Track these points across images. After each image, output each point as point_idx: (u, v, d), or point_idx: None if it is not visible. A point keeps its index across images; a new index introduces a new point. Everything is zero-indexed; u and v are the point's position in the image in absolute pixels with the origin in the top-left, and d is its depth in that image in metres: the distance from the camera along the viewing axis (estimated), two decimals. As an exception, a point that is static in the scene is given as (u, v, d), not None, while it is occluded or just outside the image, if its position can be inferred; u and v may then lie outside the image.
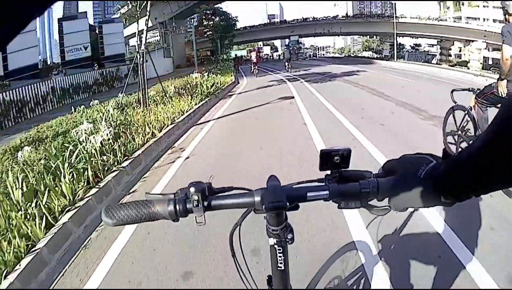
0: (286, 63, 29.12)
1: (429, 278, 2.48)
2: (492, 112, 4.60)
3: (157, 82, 12.71)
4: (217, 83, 15.76)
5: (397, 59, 47.75)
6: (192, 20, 55.76)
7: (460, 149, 3.87)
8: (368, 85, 15.46)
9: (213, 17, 52.48)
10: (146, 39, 10.53)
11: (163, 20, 53.16)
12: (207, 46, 61.32)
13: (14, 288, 2.58)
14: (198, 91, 12.62)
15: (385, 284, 2.45)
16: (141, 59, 10.37)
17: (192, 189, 0.77)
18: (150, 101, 10.62)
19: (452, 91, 5.11)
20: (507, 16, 4.32)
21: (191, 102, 10.57)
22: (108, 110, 8.82)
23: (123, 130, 6.70)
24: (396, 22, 53.36)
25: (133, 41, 71.28)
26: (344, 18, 64.31)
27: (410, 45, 72.41)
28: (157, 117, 8.21)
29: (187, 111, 9.55)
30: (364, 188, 0.75)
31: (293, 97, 12.45)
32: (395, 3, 61.48)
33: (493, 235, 3.03)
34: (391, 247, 2.92)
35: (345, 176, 0.80)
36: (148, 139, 6.61)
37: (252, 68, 26.85)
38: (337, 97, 11.97)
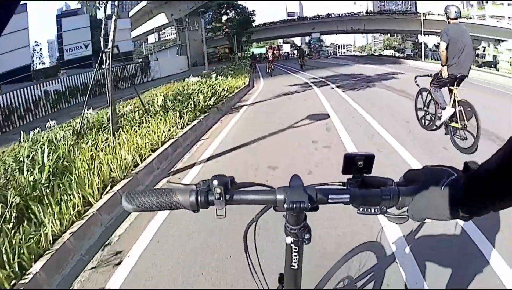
0: (300, 61, 27.75)
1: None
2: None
3: (162, 84, 10.77)
4: (223, 89, 11.94)
5: (424, 59, 43.50)
6: (208, 15, 51.56)
7: (426, 123, 6.72)
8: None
9: (227, 11, 49.70)
10: (114, 34, 6.60)
11: (179, 17, 51.40)
12: (225, 44, 58.38)
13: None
14: (192, 103, 8.67)
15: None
16: (108, 62, 6.51)
17: (215, 182, 0.76)
18: (123, 123, 7.22)
19: (416, 77, 6.54)
20: (448, 20, 6.00)
21: (177, 123, 7.08)
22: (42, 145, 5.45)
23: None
24: (423, 19, 48.74)
25: (151, 38, 68.41)
26: (368, 14, 60.00)
27: (434, 44, 67.38)
28: (116, 156, 4.83)
29: (163, 143, 5.97)
30: (385, 195, 0.75)
31: (327, 116, 8.43)
32: (415, 2, 59.56)
33: None
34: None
35: (366, 181, 0.80)
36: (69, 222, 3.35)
37: (267, 67, 24.90)
38: (393, 118, 8.09)
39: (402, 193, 0.75)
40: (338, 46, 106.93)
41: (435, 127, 6.46)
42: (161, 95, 10.22)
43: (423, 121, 6.85)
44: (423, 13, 50.50)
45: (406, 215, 0.76)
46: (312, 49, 61.16)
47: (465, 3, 52.57)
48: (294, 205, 0.74)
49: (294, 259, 0.90)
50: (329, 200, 0.77)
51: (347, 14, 60.20)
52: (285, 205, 0.75)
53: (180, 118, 7.29)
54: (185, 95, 10.05)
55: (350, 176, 0.81)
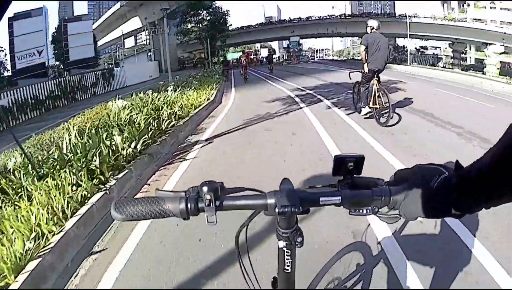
0: (269, 66, 28.06)
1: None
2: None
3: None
4: (172, 113, 8.08)
5: (410, 63, 41.48)
6: (180, 17, 47.91)
7: (361, 110, 8.13)
8: (438, 113, 9.03)
9: (199, 11, 46.05)
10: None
11: (153, 20, 48.57)
12: (201, 48, 55.44)
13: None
14: (104, 152, 4.68)
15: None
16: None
17: (204, 188, 0.75)
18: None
19: (349, 73, 8.43)
20: (368, 29, 7.82)
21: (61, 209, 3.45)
22: None
23: None
24: (409, 22, 45.85)
25: (130, 42, 63.00)
26: (350, 17, 56.80)
27: (415, 48, 64.88)
28: None
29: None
30: (376, 195, 0.76)
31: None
32: (394, 3, 59.06)
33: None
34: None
35: (357, 182, 0.80)
36: None
37: (242, 72, 23.30)
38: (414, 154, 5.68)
39: (393, 193, 0.75)
40: (316, 51, 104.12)
41: (361, 111, 8.19)
42: (74, 129, 6.05)
43: (356, 106, 8.91)
44: (409, 16, 47.32)
45: (398, 215, 0.76)
46: (291, 53, 57.67)
47: (445, 5, 51.23)
48: (285, 209, 0.73)
49: (287, 263, 0.89)
50: (320, 203, 0.77)
51: (328, 17, 56.98)
52: (276, 210, 0.75)
53: (74, 188, 3.85)
54: (102, 130, 6.00)
55: (341, 177, 0.80)
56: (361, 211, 0.77)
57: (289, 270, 0.90)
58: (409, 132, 7.04)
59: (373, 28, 7.77)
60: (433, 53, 59.13)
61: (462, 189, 0.63)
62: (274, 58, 66.55)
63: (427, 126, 7.62)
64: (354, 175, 0.80)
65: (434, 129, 7.36)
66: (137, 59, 51.57)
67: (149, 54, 52.03)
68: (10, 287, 2.35)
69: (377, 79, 7.63)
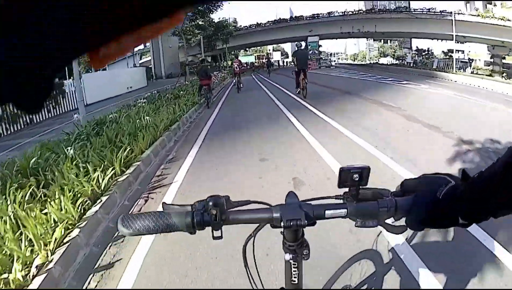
0: (268, 69, 28.28)
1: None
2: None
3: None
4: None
5: (456, 70, 31.29)
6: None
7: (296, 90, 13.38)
8: None
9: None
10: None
11: None
12: (207, 52, 48.98)
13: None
14: None
15: None
16: None
17: (210, 203, 0.75)
18: None
19: (292, 72, 13.14)
20: (296, 48, 13.06)
21: None
22: None
23: None
24: (454, 20, 35.24)
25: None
26: (381, 12, 45.43)
27: (442, 51, 56.87)
28: None
29: None
30: (382, 207, 0.74)
31: None
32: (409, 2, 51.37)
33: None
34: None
35: (363, 193, 0.79)
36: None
37: (235, 81, 19.07)
38: None
39: (399, 204, 0.73)
40: (330, 54, 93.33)
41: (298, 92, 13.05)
42: None
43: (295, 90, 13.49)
44: (453, 13, 36.82)
45: (405, 225, 0.74)
46: (310, 56, 45.98)
47: (468, 5, 43.36)
48: (291, 223, 0.73)
49: (294, 275, 0.88)
50: (325, 216, 0.76)
51: (354, 12, 46.13)
52: (282, 223, 0.74)
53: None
54: None
55: (346, 189, 0.79)
56: (367, 223, 0.75)
57: (296, 282, 0.89)
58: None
59: (300, 46, 12.99)
60: (458, 57, 48.73)
61: (469, 199, 0.61)
62: (285, 62, 56.43)
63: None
64: (360, 186, 0.77)
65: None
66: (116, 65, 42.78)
67: (143, 57, 43.61)
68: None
69: (303, 73, 12.62)
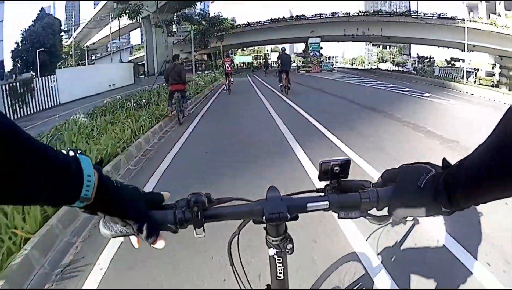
0: (265, 70, 28.44)
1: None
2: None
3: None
4: None
5: (465, 80, 27.98)
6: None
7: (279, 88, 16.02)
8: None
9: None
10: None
11: (146, 15, 38.83)
12: (202, 49, 47.81)
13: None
14: None
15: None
16: None
17: (191, 200, 0.73)
18: None
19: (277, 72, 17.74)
20: (281, 51, 16.23)
21: None
22: None
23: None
24: (466, 27, 32.69)
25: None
26: (388, 15, 42.59)
27: (446, 59, 53.51)
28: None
29: None
30: (364, 198, 0.73)
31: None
32: (409, 4, 48.65)
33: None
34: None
35: (344, 186, 0.77)
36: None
37: (226, 82, 17.15)
38: None
39: (380, 194, 0.72)
40: (328, 58, 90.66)
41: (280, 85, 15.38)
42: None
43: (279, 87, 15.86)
44: (465, 20, 34.25)
45: (387, 215, 0.73)
46: (311, 59, 43.80)
47: (471, 14, 40.94)
48: (273, 216, 0.73)
49: (279, 270, 0.88)
50: (308, 209, 0.75)
51: (359, 14, 43.23)
52: (264, 218, 0.74)
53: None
54: None
55: (328, 182, 0.78)
56: (349, 214, 0.75)
57: (282, 277, 0.89)
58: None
59: (284, 51, 15.67)
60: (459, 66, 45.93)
61: (451, 186, 0.61)
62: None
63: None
64: (341, 179, 0.76)
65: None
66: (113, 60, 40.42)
67: (134, 53, 41.05)
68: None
69: (286, 73, 14.89)
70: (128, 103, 10.33)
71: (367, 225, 2.26)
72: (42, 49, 45.30)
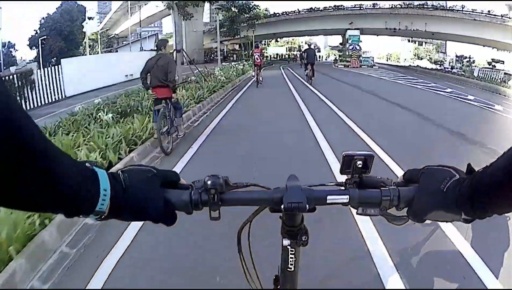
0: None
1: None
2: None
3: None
4: None
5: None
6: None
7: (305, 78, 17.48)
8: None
9: None
10: None
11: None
12: (234, 38, 45.43)
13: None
14: None
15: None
16: None
17: (208, 182, 0.70)
18: None
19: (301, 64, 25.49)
20: (306, 46, 31.09)
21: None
22: None
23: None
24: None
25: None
26: (434, 9, 38.08)
27: (487, 60, 49.36)
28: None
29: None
30: (385, 196, 0.71)
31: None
32: None
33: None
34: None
35: (365, 181, 0.75)
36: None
37: (254, 74, 16.12)
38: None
39: (402, 194, 0.70)
40: (363, 52, 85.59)
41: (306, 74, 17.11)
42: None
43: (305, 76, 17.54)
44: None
45: (406, 216, 0.71)
46: (350, 52, 39.04)
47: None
48: (292, 206, 0.70)
49: (290, 261, 0.85)
50: (327, 201, 0.72)
51: (403, 6, 39.03)
52: (282, 206, 0.71)
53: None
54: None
55: (349, 176, 0.76)
56: (368, 211, 0.72)
57: (292, 269, 0.86)
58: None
59: (310, 45, 26.76)
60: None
61: (474, 193, 0.58)
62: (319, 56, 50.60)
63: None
64: (363, 174, 0.74)
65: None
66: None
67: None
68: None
69: (311, 65, 16.39)
70: (104, 113, 7.08)
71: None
72: (59, 36, 43.24)
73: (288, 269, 0.86)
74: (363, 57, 37.22)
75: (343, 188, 0.74)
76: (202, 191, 0.69)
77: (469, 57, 55.95)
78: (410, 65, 48.71)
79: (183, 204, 0.68)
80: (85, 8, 49.90)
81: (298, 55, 41.16)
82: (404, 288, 2.31)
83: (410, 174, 0.73)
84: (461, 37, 38.73)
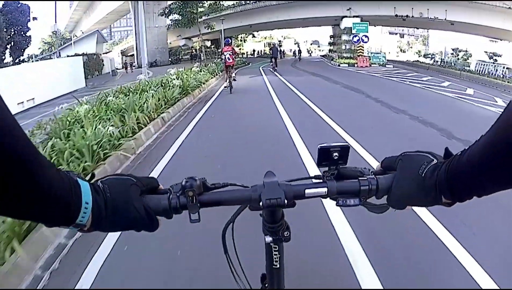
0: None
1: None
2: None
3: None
4: None
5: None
6: None
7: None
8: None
9: None
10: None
11: None
12: (205, 33, 35.81)
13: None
14: None
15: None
16: None
17: (186, 185, 0.68)
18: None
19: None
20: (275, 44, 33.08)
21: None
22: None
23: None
24: None
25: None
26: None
27: (486, 52, 44.76)
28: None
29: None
30: (363, 185, 0.70)
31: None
32: None
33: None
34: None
35: (343, 173, 0.73)
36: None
37: (226, 77, 12.53)
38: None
39: (380, 182, 0.69)
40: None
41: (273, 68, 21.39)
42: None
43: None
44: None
45: (386, 204, 0.70)
46: (355, 46, 29.01)
47: None
48: (270, 202, 0.69)
49: (275, 258, 0.85)
50: (305, 195, 0.71)
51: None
52: (261, 203, 0.70)
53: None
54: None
55: (326, 168, 0.74)
56: (348, 201, 0.70)
57: (278, 266, 0.86)
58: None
59: (274, 45, 26.96)
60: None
61: (452, 177, 0.57)
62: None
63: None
64: (340, 166, 0.72)
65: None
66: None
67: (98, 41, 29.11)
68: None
69: (275, 59, 21.53)
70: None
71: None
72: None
73: (274, 266, 0.84)
74: (372, 53, 27.08)
75: (321, 181, 0.72)
76: (180, 194, 0.67)
77: (465, 51, 49.66)
78: (417, 61, 39.20)
79: (163, 209, 0.66)
80: (29, 8, 39.30)
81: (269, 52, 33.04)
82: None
83: (387, 162, 0.70)
84: (480, 27, 29.20)
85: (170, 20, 32.94)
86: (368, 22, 28.73)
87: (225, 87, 12.35)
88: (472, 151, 0.54)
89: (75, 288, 2.26)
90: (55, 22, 51.88)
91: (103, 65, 26.60)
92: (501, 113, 0.48)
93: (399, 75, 18.94)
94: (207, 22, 31.57)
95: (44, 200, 0.47)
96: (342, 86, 12.64)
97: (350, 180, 0.70)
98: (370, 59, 25.78)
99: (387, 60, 29.81)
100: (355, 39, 27.40)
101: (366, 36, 27.75)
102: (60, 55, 32.27)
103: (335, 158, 0.70)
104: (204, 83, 13.19)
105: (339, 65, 26.01)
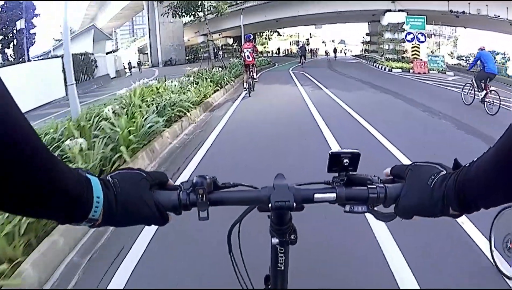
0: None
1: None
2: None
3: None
4: None
5: None
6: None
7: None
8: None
9: None
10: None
11: None
12: (224, 30, 37.49)
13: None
14: None
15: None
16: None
17: (196, 182, 0.68)
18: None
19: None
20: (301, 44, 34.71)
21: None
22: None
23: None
24: None
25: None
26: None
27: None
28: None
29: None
30: (371, 193, 0.69)
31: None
32: None
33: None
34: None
35: (352, 179, 0.73)
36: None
37: (245, 78, 11.09)
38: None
39: (389, 191, 0.68)
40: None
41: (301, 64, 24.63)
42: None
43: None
44: None
45: (394, 213, 0.69)
46: (403, 48, 24.58)
47: None
48: (279, 205, 0.69)
49: (280, 260, 0.84)
50: (314, 199, 0.71)
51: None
52: (270, 205, 0.69)
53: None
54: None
55: (336, 174, 0.74)
56: (356, 208, 0.70)
57: (282, 268, 0.85)
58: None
59: (301, 46, 26.41)
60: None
61: (461, 188, 0.57)
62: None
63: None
64: (349, 172, 0.72)
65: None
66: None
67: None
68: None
69: (304, 57, 24.62)
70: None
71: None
72: None
73: (278, 268, 0.84)
74: (429, 56, 21.55)
75: (330, 186, 0.72)
76: (190, 191, 0.67)
77: (504, 53, 41.77)
78: (459, 64, 33.35)
79: (172, 205, 0.66)
80: (33, 4, 36.03)
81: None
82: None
83: (396, 171, 0.70)
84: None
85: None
86: (425, 17, 22.99)
87: (244, 89, 10.92)
88: (480, 162, 0.54)
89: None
90: (65, 19, 48.96)
91: (96, 66, 22.17)
92: (510, 125, 0.48)
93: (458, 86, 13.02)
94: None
95: (60, 197, 0.47)
96: (449, 122, 6.84)
97: (359, 187, 0.69)
98: (427, 64, 20.08)
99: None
100: (409, 37, 22.00)
101: (422, 34, 22.25)
102: (57, 56, 28.55)
103: (345, 164, 0.69)
104: (192, 108, 7.18)
105: (390, 70, 20.46)
